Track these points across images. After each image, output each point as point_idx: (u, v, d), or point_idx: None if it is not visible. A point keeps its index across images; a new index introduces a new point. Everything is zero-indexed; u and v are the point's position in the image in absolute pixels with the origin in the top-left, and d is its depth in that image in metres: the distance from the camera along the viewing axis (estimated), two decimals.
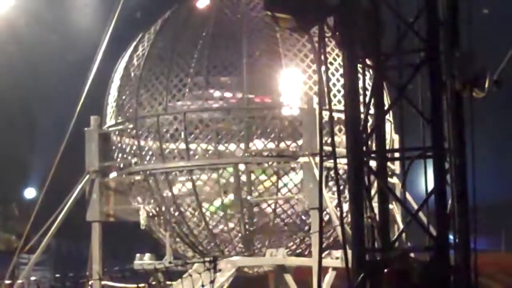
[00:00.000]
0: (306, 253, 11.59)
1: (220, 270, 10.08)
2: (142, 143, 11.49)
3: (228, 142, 11.27)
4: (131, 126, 11.56)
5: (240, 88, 11.12)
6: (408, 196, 9.24)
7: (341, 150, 8.95)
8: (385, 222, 6.83)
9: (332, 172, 10.61)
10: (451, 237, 6.73)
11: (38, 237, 12.12)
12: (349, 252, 6.77)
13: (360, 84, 6.90)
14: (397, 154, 8.20)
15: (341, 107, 8.27)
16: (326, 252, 11.45)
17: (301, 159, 10.92)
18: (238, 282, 11.57)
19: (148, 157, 11.53)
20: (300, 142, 11.05)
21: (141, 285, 11.30)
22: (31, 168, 19.99)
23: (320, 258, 7.98)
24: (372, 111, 6.95)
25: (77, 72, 13.52)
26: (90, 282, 11.38)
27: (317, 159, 10.34)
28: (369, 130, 6.86)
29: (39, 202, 12.45)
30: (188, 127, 11.12)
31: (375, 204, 6.87)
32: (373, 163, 6.91)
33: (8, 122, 19.14)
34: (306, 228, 11.39)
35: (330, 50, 10.63)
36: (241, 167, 11.07)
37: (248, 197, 11.18)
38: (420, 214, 6.95)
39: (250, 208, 11.23)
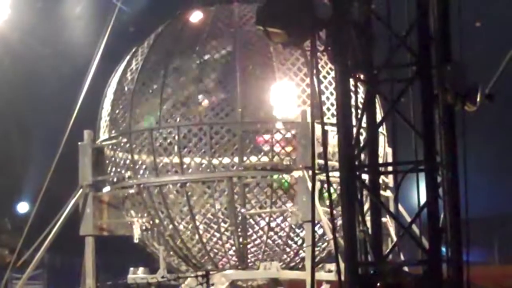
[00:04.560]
0: (299, 266, 11.59)
1: (213, 284, 10.08)
2: (136, 157, 11.50)
3: (222, 155, 11.28)
4: (124, 140, 11.57)
5: (233, 102, 11.15)
6: (401, 209, 9.26)
7: (335, 163, 8.98)
8: (378, 235, 6.84)
9: (325, 185, 10.62)
10: (444, 250, 6.74)
11: (31, 251, 12.09)
12: (342, 265, 6.78)
13: (353, 98, 6.93)
14: (390, 168, 8.21)
15: (334, 120, 8.28)
16: (319, 265, 11.46)
17: (295, 173, 10.94)
18: None
19: (141, 171, 11.53)
20: (293, 155, 11.07)
21: None
22: (24, 182, 19.96)
23: (313, 271, 7.98)
24: (364, 124, 6.97)
25: (71, 86, 13.53)
26: None
27: (311, 172, 10.35)
28: (361, 144, 6.88)
29: (32, 216, 12.43)
30: (182, 141, 11.14)
31: (368, 218, 6.89)
32: (366, 177, 6.93)
33: (1, 135, 19.12)
34: (300, 241, 11.40)
35: (324, 63, 10.66)
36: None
37: (242, 210, 11.19)
38: (413, 227, 6.97)
39: (243, 221, 11.24)
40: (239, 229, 11.26)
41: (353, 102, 6.90)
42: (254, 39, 11.33)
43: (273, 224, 11.34)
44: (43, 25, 18.16)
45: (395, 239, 10.08)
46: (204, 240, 11.41)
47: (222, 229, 11.34)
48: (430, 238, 6.63)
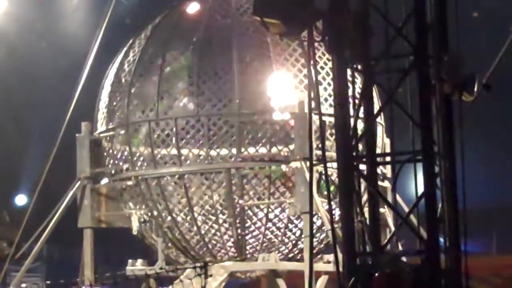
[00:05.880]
0: (298, 257, 11.60)
1: (211, 275, 10.08)
2: (134, 148, 11.50)
3: (219, 147, 11.28)
4: (122, 132, 11.56)
5: (231, 93, 11.15)
6: (399, 199, 9.26)
7: (332, 154, 8.98)
8: (376, 226, 6.84)
9: (323, 177, 10.62)
10: (442, 240, 6.74)
11: (30, 244, 12.09)
12: (341, 256, 6.78)
13: (350, 88, 6.92)
14: (388, 158, 8.22)
15: (331, 111, 8.28)
16: (317, 257, 11.48)
17: (293, 164, 10.94)
18: (231, 287, 11.57)
19: (139, 163, 11.53)
20: (291, 146, 11.07)
21: None
22: (22, 175, 19.95)
23: (312, 263, 8.00)
24: (362, 115, 6.97)
25: (68, 78, 13.51)
26: None
27: (309, 163, 10.34)
28: (359, 134, 6.88)
29: (30, 209, 12.43)
30: (179, 133, 11.14)
31: (366, 208, 6.89)
32: (363, 167, 6.93)
33: None
34: (298, 232, 11.41)
35: (321, 54, 10.65)
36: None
37: (240, 201, 11.19)
38: (411, 217, 6.97)
39: (242, 212, 11.25)
40: (237, 221, 11.27)
41: (350, 92, 6.89)
42: (251, 30, 11.32)
43: (271, 216, 11.35)
44: (40, 18, 18.12)
45: (393, 229, 10.10)
46: (203, 232, 11.42)
47: (220, 221, 11.35)
48: (428, 228, 6.63)
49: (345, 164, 6.74)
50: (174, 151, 11.28)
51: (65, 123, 12.23)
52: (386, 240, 6.93)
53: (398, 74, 6.85)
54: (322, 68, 10.95)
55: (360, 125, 7.03)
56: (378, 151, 9.97)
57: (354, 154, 6.80)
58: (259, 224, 11.39)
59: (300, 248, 11.51)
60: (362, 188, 6.98)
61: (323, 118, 7.24)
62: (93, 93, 12.25)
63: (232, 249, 11.51)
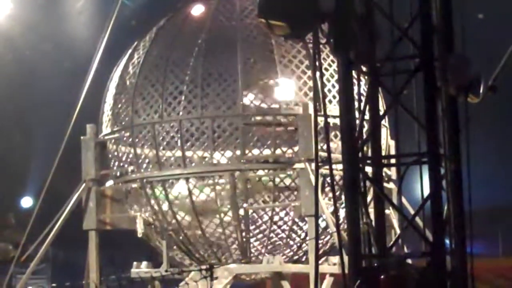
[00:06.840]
0: (303, 259, 11.59)
1: (217, 278, 10.08)
2: (139, 151, 11.50)
3: (224, 149, 11.27)
4: (127, 134, 11.56)
5: (235, 95, 11.14)
6: (404, 201, 9.24)
7: (337, 156, 8.97)
8: (381, 228, 6.83)
9: (328, 179, 10.61)
10: (447, 242, 6.73)
11: (35, 246, 12.10)
12: (346, 258, 6.77)
13: (355, 90, 6.91)
14: (393, 160, 8.21)
15: (336, 113, 8.27)
16: (323, 259, 11.46)
17: (297, 166, 10.92)
18: None
19: (144, 165, 11.53)
20: (296, 148, 11.06)
21: None
22: (27, 177, 19.98)
23: (317, 265, 7.98)
24: (367, 117, 6.96)
25: (73, 81, 13.52)
26: None
27: (313, 165, 10.33)
28: (364, 136, 6.87)
29: (36, 211, 12.43)
30: (184, 135, 11.13)
31: (371, 210, 6.88)
32: (369, 169, 6.92)
33: (4, 131, 19.13)
34: (303, 234, 11.40)
35: (325, 56, 10.65)
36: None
37: (244, 205, 11.18)
38: (417, 219, 6.96)
39: (246, 215, 11.23)
40: (241, 223, 11.25)
41: (355, 94, 6.88)
42: (256, 32, 11.31)
43: (276, 218, 11.33)
44: (44, 20, 18.14)
45: (398, 231, 10.08)
46: (207, 235, 11.40)
47: (225, 224, 11.33)
48: (434, 230, 6.62)
49: (351, 166, 6.73)
50: (178, 153, 11.26)
51: (71, 125, 12.23)
52: (391, 242, 6.92)
53: (403, 76, 6.84)
54: (326, 69, 10.94)
55: (365, 127, 7.02)
56: (383, 153, 9.95)
57: (359, 155, 6.79)
58: (263, 226, 11.38)
59: (305, 250, 11.49)
60: (367, 190, 6.97)
61: (328, 119, 7.20)
62: (98, 95, 12.26)
63: (237, 252, 11.50)
